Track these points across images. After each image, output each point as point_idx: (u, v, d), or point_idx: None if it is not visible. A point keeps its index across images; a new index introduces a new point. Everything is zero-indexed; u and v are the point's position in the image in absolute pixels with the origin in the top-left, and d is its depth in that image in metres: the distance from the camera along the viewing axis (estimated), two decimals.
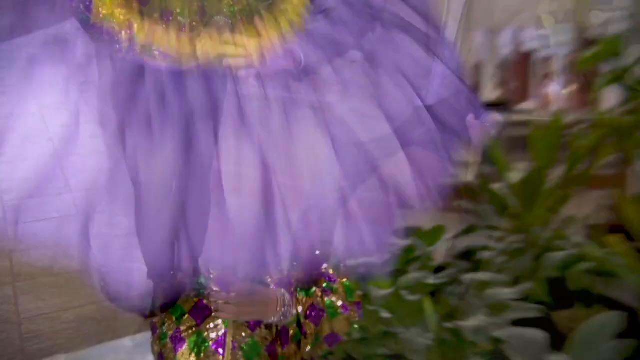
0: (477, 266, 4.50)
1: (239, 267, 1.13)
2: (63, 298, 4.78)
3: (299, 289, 1.49)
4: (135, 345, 4.06)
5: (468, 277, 3.68)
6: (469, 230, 4.83)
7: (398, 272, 4.27)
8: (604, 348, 2.59)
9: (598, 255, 3.65)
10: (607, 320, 2.64)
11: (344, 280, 1.56)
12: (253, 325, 1.44)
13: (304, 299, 1.49)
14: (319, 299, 1.50)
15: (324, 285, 1.54)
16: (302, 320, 1.48)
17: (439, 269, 4.37)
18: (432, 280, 3.75)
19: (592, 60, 4.53)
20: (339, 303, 1.52)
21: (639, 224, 2.78)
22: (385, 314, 3.28)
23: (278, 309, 1.41)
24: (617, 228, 4.45)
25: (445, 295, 3.52)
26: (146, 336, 1.62)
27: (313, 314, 1.48)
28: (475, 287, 3.74)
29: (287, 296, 1.43)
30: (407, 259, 4.46)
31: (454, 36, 1.50)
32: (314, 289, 1.51)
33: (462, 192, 5.45)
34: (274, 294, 1.41)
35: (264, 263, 1.10)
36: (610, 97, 5.75)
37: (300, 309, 1.49)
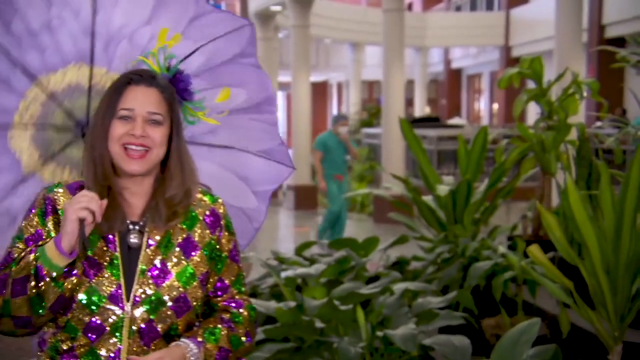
0: (408, 276, 4.63)
1: None
2: None
3: (206, 336, 1.51)
4: None
5: (399, 286, 3.79)
6: (400, 241, 4.96)
7: (332, 283, 4.34)
8: (526, 353, 2.72)
9: (521, 265, 3.82)
10: (529, 327, 2.77)
11: (248, 304, 1.62)
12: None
13: (212, 348, 1.50)
14: (224, 343, 1.52)
15: (228, 316, 1.57)
16: None
17: (372, 279, 4.47)
18: (364, 290, 3.83)
19: (513, 79, 4.75)
20: (243, 336, 1.56)
21: (558, 235, 2.94)
22: (319, 324, 3.34)
23: None
24: (539, 238, 4.67)
25: (377, 304, 3.60)
26: None
27: (219, 357, 1.52)
28: (406, 297, 3.85)
29: (194, 348, 1.47)
30: (341, 270, 4.54)
31: None
32: (219, 327, 1.53)
33: (394, 204, 5.59)
34: (181, 353, 1.45)
35: None
36: (534, 113, 6.01)
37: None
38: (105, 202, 1.43)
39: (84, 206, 1.37)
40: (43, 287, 1.38)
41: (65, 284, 1.40)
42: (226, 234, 1.59)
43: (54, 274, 1.38)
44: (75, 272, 1.41)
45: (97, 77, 1.66)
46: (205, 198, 1.59)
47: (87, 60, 1.64)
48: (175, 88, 1.58)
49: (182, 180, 1.52)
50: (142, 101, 1.48)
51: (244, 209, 1.83)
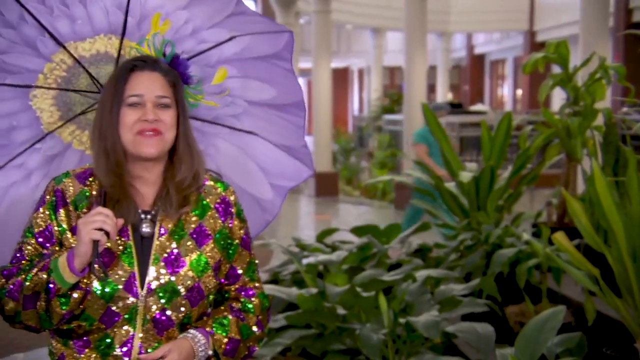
0: (430, 263, 4.60)
1: None
2: None
3: (215, 326, 1.51)
4: None
5: (421, 273, 3.76)
6: (422, 228, 4.93)
7: (354, 270, 4.33)
8: (551, 341, 2.69)
9: (546, 252, 3.77)
10: (553, 314, 2.73)
11: (260, 292, 1.61)
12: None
13: (221, 338, 1.51)
14: (234, 333, 1.53)
15: (239, 305, 1.57)
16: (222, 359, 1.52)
17: (393, 266, 4.46)
18: (386, 277, 3.82)
19: (538, 64, 4.67)
20: (253, 325, 1.57)
21: (584, 221, 2.90)
22: (341, 311, 3.33)
23: (195, 357, 1.46)
24: (564, 225, 4.61)
25: (399, 291, 3.59)
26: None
27: (229, 347, 1.52)
28: (428, 284, 3.83)
29: (201, 339, 1.48)
30: (363, 257, 4.53)
31: None
32: (228, 317, 1.54)
33: (417, 191, 5.55)
34: (189, 345, 1.46)
35: None
36: (559, 99, 5.92)
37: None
38: (121, 221, 1.43)
39: (98, 227, 1.37)
40: (51, 306, 1.40)
41: (72, 302, 1.41)
42: (237, 221, 1.58)
43: (63, 289, 1.40)
44: (81, 286, 1.41)
45: (127, 49, 1.67)
46: (217, 185, 1.58)
47: (117, 33, 1.66)
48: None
49: (191, 163, 1.52)
50: (149, 86, 1.48)
51: (259, 199, 1.82)
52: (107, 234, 1.38)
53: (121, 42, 1.65)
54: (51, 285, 1.39)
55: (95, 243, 1.37)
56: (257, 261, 1.64)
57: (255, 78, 1.73)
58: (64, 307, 1.40)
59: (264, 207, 1.84)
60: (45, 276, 1.40)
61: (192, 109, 1.66)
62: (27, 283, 1.40)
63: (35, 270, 1.41)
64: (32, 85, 1.65)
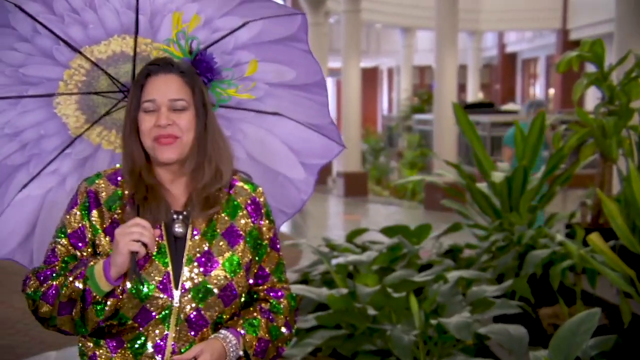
0: (461, 264, 4.56)
1: None
2: None
3: (246, 327, 1.52)
4: None
5: (453, 274, 3.73)
6: (453, 229, 4.89)
7: (384, 270, 4.32)
8: (585, 344, 2.64)
9: (580, 253, 3.71)
10: (588, 316, 2.69)
11: (289, 293, 1.61)
12: None
13: (252, 339, 1.51)
14: (264, 334, 1.53)
15: (268, 306, 1.57)
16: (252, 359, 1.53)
17: (424, 267, 4.43)
18: (417, 278, 3.80)
19: (572, 62, 4.60)
20: (282, 326, 1.57)
21: (620, 222, 2.84)
22: (372, 311, 3.32)
23: (227, 357, 1.46)
24: (599, 226, 4.53)
25: (430, 292, 3.56)
26: None
27: (258, 348, 1.53)
28: (460, 285, 3.79)
29: (233, 339, 1.48)
30: (393, 257, 4.51)
31: None
32: (258, 318, 1.53)
33: (447, 191, 5.51)
34: (220, 345, 1.47)
35: None
36: (593, 98, 5.83)
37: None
38: (158, 231, 1.43)
39: (136, 238, 1.37)
40: (86, 313, 1.42)
41: (106, 309, 1.42)
42: (267, 222, 1.58)
43: (99, 297, 1.41)
44: (116, 294, 1.43)
45: (142, 46, 1.68)
46: (246, 186, 1.59)
47: (130, 32, 1.67)
48: (198, 70, 1.57)
49: (210, 162, 1.52)
50: (162, 90, 1.48)
51: (292, 179, 1.82)
52: (144, 245, 1.39)
53: (135, 41, 1.66)
54: (87, 293, 1.41)
55: (133, 254, 1.38)
56: (284, 262, 1.65)
57: (273, 61, 1.73)
58: (99, 315, 1.42)
59: (298, 186, 1.84)
60: (81, 285, 1.41)
61: (222, 102, 1.66)
62: (63, 291, 1.42)
63: (71, 278, 1.42)
64: (54, 94, 1.68)
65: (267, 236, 1.58)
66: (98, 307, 1.41)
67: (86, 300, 1.41)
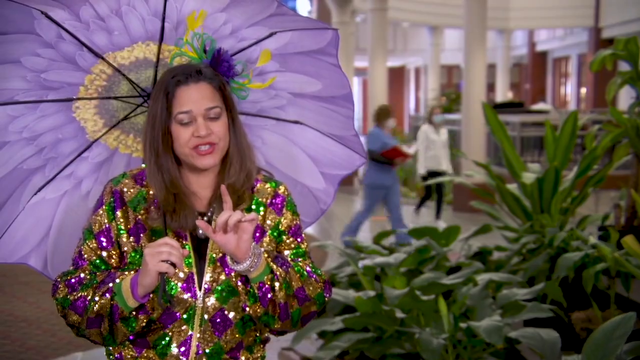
0: (490, 266, 4.49)
1: None
2: None
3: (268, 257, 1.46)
4: None
5: (483, 277, 3.67)
6: (483, 230, 4.82)
7: (412, 272, 4.27)
8: (620, 349, 2.57)
9: (614, 256, 3.63)
10: (623, 320, 2.62)
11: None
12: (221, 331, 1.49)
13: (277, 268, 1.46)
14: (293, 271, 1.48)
15: (292, 253, 1.54)
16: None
17: (453, 269, 4.37)
18: (446, 280, 3.74)
19: (606, 61, 4.50)
20: (307, 269, 1.53)
21: None
22: (400, 314, 3.28)
23: (249, 253, 1.40)
24: (633, 228, 4.42)
25: (459, 295, 3.51)
26: None
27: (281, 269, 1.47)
28: (490, 288, 3.73)
29: (258, 248, 1.44)
30: (421, 259, 4.46)
31: None
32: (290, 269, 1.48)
33: (476, 192, 5.44)
34: (249, 247, 1.42)
35: None
36: (627, 97, 5.70)
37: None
38: (186, 251, 1.41)
39: (165, 258, 1.36)
40: (115, 328, 1.42)
41: (135, 325, 1.42)
42: (289, 214, 1.57)
43: (126, 313, 1.41)
44: (147, 309, 1.42)
45: (165, 53, 1.68)
46: (268, 185, 1.57)
47: (155, 39, 1.67)
48: (220, 71, 1.56)
49: (241, 164, 1.51)
50: (196, 100, 1.46)
51: (311, 187, 1.81)
52: (173, 264, 1.37)
53: (159, 48, 1.66)
54: (115, 309, 1.41)
55: (162, 275, 1.38)
56: (309, 251, 1.61)
57: (298, 72, 1.72)
58: (130, 330, 1.43)
59: (318, 196, 1.83)
60: (108, 302, 1.41)
61: (241, 101, 1.65)
62: (90, 306, 1.42)
63: (98, 295, 1.42)
64: (74, 98, 1.68)
65: (289, 226, 1.56)
66: (127, 323, 1.42)
67: (114, 316, 1.41)
